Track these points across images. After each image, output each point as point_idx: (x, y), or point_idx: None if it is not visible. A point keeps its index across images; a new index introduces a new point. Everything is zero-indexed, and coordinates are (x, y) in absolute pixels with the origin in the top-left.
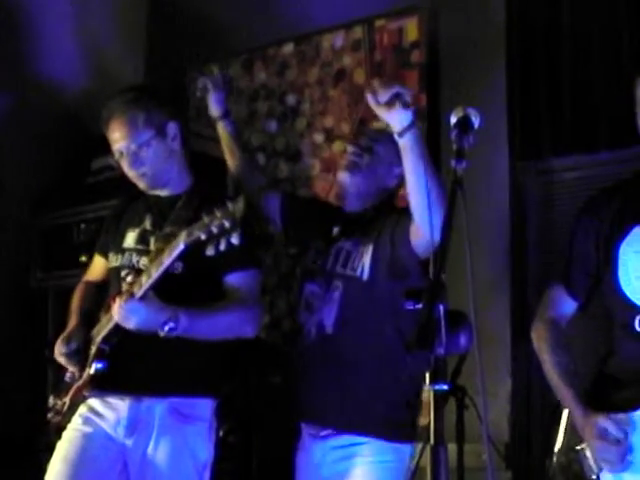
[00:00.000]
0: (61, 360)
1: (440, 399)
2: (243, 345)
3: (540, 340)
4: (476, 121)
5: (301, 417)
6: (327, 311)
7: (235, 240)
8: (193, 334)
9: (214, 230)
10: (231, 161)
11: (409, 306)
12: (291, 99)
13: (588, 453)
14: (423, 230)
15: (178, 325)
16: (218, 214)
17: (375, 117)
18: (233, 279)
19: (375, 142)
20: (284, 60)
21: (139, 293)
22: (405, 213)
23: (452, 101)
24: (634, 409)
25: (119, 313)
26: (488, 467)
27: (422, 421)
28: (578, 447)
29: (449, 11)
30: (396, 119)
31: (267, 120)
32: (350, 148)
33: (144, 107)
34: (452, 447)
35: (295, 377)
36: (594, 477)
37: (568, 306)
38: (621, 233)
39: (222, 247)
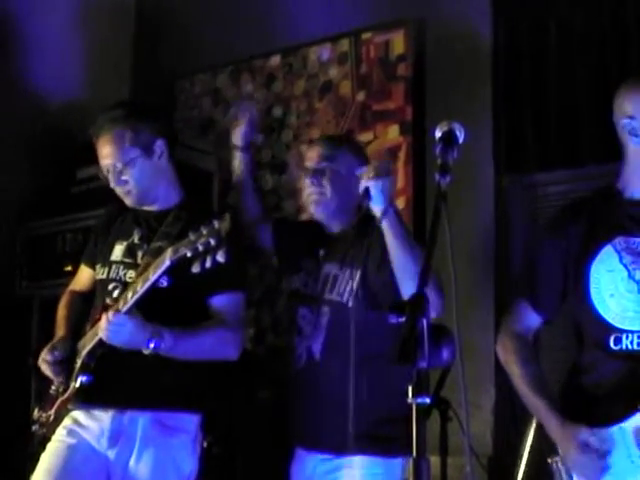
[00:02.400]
0: (44, 368)
1: (422, 412)
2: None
3: (507, 353)
4: (460, 135)
5: (294, 441)
6: (315, 337)
7: (221, 258)
8: (176, 354)
9: (200, 247)
10: (235, 189)
11: (392, 319)
12: (277, 111)
13: (561, 465)
14: (404, 294)
15: (162, 343)
16: (204, 231)
17: (360, 130)
18: (218, 301)
19: (329, 161)
20: (271, 72)
21: (124, 309)
22: None
23: (438, 115)
24: (612, 424)
25: (106, 329)
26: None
27: None
28: (550, 459)
29: (436, 25)
30: (372, 208)
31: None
32: (308, 181)
33: (131, 125)
34: (436, 460)
35: (288, 401)
36: None
37: (533, 320)
38: (591, 252)
39: (208, 264)
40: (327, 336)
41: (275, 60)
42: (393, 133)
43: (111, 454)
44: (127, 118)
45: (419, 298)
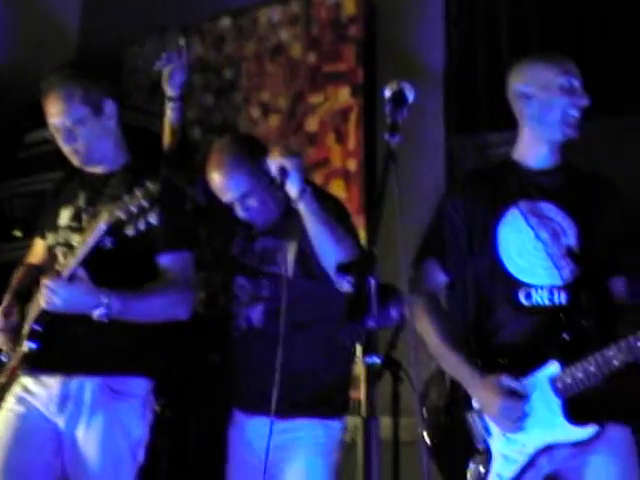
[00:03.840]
0: None
1: (372, 372)
2: (181, 322)
3: (419, 310)
4: (410, 95)
5: (235, 403)
6: (254, 306)
7: (153, 220)
8: (126, 317)
9: (133, 210)
10: (167, 138)
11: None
12: (228, 73)
13: (477, 418)
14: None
15: (111, 309)
16: (138, 193)
17: (311, 92)
18: (165, 260)
19: (240, 191)
20: (221, 34)
21: (66, 274)
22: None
23: (389, 76)
24: (527, 375)
25: (44, 294)
26: (422, 440)
27: (356, 395)
28: (465, 414)
29: None
30: (289, 188)
31: (203, 94)
32: (236, 206)
33: (82, 84)
34: (388, 421)
35: (229, 365)
36: (481, 446)
37: (441, 280)
38: (497, 214)
39: (141, 227)
40: (267, 306)
41: (225, 22)
42: (344, 95)
43: (60, 420)
44: (78, 77)
45: (367, 257)
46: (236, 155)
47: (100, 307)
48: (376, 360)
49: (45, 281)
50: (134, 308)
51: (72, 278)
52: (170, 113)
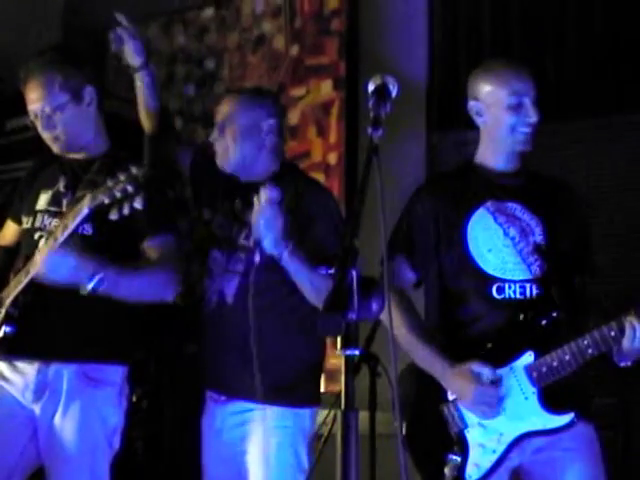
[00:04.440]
0: None
1: (351, 365)
2: (157, 310)
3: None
4: (394, 89)
5: (204, 384)
6: (228, 281)
7: (138, 205)
8: (116, 293)
9: (117, 194)
10: (145, 118)
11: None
12: (210, 64)
13: (453, 409)
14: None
15: (105, 279)
16: (122, 177)
17: (293, 84)
18: (152, 244)
19: (230, 119)
20: (204, 24)
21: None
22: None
23: (371, 70)
24: (503, 365)
25: (43, 263)
26: (399, 434)
27: (334, 388)
28: (440, 407)
29: None
30: (270, 247)
31: (185, 84)
32: (211, 139)
33: (62, 70)
34: (364, 415)
35: (198, 344)
36: (458, 437)
37: (409, 278)
38: (465, 214)
39: (125, 211)
40: (240, 282)
41: (208, 12)
42: (326, 88)
43: (37, 408)
44: (58, 63)
45: (348, 250)
46: None
47: (95, 276)
48: (355, 352)
49: (45, 250)
50: (126, 283)
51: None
52: (142, 84)
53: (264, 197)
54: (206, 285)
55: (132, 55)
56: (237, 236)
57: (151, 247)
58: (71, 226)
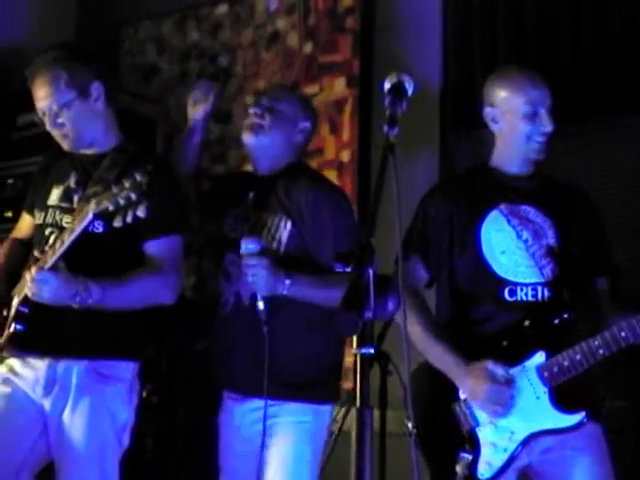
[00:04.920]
0: None
1: (366, 363)
2: (169, 307)
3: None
4: (410, 88)
5: (222, 385)
6: (244, 282)
7: (141, 213)
8: (107, 305)
9: (121, 202)
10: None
11: (338, 268)
12: (223, 60)
13: (465, 407)
14: None
15: (89, 297)
16: (126, 184)
17: (306, 82)
18: (151, 247)
19: (276, 101)
20: (218, 20)
21: (49, 263)
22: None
23: (385, 68)
24: (515, 365)
25: (30, 287)
26: (412, 433)
27: (347, 385)
28: (453, 405)
29: None
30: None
31: (198, 80)
32: (252, 109)
33: (68, 67)
34: (375, 414)
35: (215, 346)
36: (469, 435)
37: (422, 277)
38: (479, 216)
39: (128, 219)
40: None
41: (222, 8)
42: (339, 86)
43: (46, 403)
44: (63, 60)
45: (365, 248)
46: None
47: (77, 297)
48: (370, 351)
49: (31, 272)
50: (114, 296)
51: (55, 268)
52: (191, 135)
53: (242, 251)
54: (223, 288)
55: (196, 115)
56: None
57: (150, 250)
58: (77, 230)
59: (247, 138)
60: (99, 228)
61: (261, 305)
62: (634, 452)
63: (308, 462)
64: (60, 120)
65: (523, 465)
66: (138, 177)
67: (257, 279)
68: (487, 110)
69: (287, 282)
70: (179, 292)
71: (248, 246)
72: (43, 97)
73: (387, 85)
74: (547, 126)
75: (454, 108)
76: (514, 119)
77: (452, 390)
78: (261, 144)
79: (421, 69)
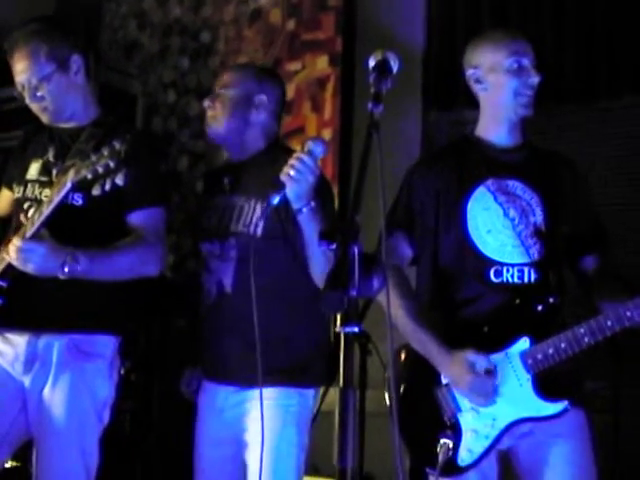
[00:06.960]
0: None
1: (350, 342)
2: (148, 284)
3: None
4: (394, 65)
5: (206, 374)
6: (225, 270)
7: (119, 181)
8: (93, 275)
9: (99, 169)
10: None
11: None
12: (205, 36)
13: (446, 393)
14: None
15: (77, 265)
16: (105, 153)
17: (289, 59)
18: (135, 218)
19: (224, 87)
20: None
21: (30, 232)
22: None
23: (368, 47)
24: (498, 351)
25: (15, 257)
26: (393, 412)
27: None
28: (434, 390)
29: None
30: (292, 198)
31: (179, 56)
32: (205, 103)
33: (47, 39)
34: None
35: (200, 336)
36: (451, 421)
37: (407, 255)
38: (465, 192)
39: (107, 187)
40: (237, 269)
41: None
42: (322, 63)
43: (26, 380)
44: (42, 33)
45: (350, 225)
46: None
47: (66, 266)
48: (355, 330)
49: (14, 242)
50: (101, 266)
51: (38, 238)
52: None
53: (307, 147)
54: (204, 279)
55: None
56: (228, 223)
57: (134, 221)
58: (55, 200)
59: (209, 133)
60: (79, 201)
61: (276, 200)
62: (614, 433)
63: (294, 445)
64: (39, 93)
65: (503, 448)
66: (117, 145)
67: (301, 178)
68: (470, 72)
69: (312, 204)
70: (164, 264)
71: (317, 147)
72: (22, 70)
73: (372, 62)
74: (534, 77)
75: (437, 86)
76: (499, 75)
77: (434, 374)
78: (218, 134)
79: (404, 48)
